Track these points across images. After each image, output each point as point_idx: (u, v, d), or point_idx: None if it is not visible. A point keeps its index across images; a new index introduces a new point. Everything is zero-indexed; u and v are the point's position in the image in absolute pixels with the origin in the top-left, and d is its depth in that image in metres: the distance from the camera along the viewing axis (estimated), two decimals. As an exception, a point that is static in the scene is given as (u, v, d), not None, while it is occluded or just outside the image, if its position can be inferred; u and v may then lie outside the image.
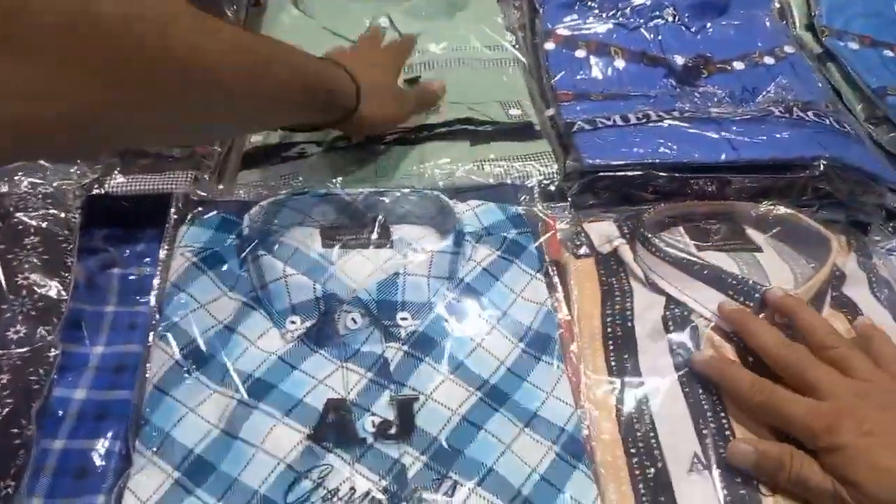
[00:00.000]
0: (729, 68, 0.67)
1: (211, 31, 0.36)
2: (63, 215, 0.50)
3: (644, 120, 0.59)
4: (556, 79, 0.65)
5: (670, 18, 0.72)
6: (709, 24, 0.72)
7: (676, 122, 0.58)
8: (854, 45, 0.71)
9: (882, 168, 0.58)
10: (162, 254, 0.49)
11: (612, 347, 0.46)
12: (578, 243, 0.53)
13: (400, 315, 0.45)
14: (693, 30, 0.71)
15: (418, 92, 0.63)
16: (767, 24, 0.72)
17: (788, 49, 0.69)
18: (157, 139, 0.47)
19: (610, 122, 0.59)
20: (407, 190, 0.52)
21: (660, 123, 0.58)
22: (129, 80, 0.32)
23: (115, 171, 0.52)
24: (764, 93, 0.63)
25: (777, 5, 0.77)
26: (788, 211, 0.53)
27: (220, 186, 0.54)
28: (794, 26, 0.75)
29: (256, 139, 0.61)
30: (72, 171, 0.52)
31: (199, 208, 0.51)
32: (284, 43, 0.46)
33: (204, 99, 0.37)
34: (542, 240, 0.51)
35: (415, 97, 0.61)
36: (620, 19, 0.71)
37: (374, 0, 0.75)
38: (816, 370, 0.41)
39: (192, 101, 0.37)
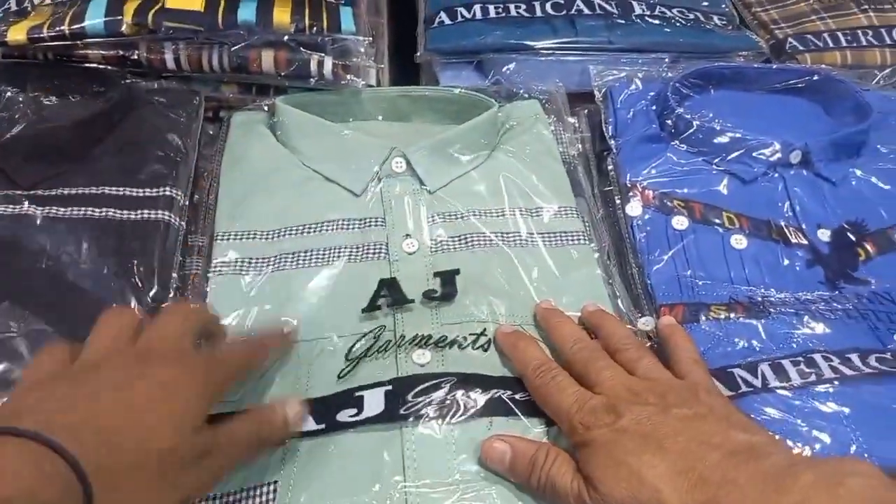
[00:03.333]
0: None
1: None
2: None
3: (813, 377, 0.38)
4: (653, 274, 0.45)
5: (795, 161, 0.51)
6: (853, 172, 0.51)
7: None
8: None
9: None
10: None
11: None
12: None
13: None
14: (833, 181, 0.51)
15: (244, 428, 0.34)
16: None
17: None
18: None
19: (757, 384, 0.38)
20: None
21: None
22: None
23: None
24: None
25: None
26: None
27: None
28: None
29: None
30: None
31: None
32: None
33: None
34: None
35: (236, 439, 0.33)
36: (731, 163, 0.50)
37: (382, 136, 0.54)
38: (601, 365, 0.39)
39: None
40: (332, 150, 0.52)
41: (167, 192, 0.48)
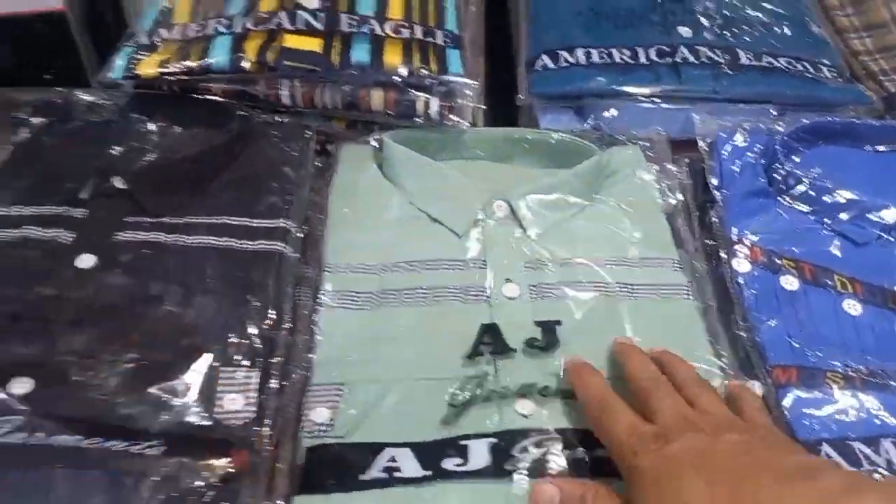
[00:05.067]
0: None
1: None
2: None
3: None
4: (764, 334, 0.44)
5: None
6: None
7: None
8: None
9: None
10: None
11: None
12: None
13: None
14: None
15: None
16: None
17: None
18: None
19: (880, 462, 0.37)
20: None
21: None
22: None
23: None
24: None
25: None
26: None
27: None
28: None
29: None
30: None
31: None
32: None
33: None
34: None
35: None
36: (844, 224, 0.49)
37: (484, 178, 0.55)
38: (662, 395, 0.38)
39: None
40: (436, 189, 0.53)
41: (282, 224, 0.49)
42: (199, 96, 0.55)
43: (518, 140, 0.57)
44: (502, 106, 0.62)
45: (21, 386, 0.39)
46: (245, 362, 0.42)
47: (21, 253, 0.46)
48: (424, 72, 0.54)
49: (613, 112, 0.58)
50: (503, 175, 0.57)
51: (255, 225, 0.49)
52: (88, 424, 0.38)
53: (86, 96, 0.56)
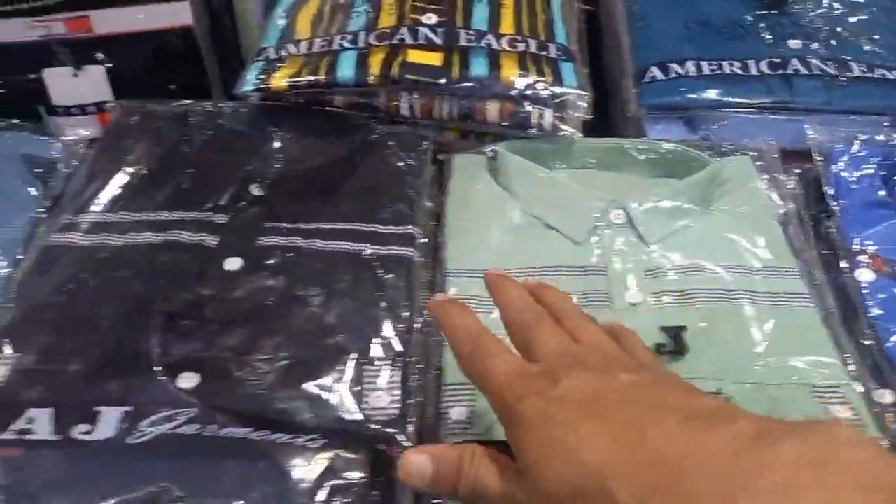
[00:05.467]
0: None
1: None
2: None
3: None
4: (892, 345, 0.44)
5: None
6: None
7: None
8: None
9: None
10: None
11: None
12: None
13: None
14: None
15: None
16: None
17: None
18: None
19: None
20: None
21: None
22: None
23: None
24: None
25: None
26: None
27: None
28: None
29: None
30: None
31: None
32: None
33: None
34: None
35: None
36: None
37: (598, 187, 0.56)
38: (543, 329, 0.33)
39: None
40: (552, 198, 0.55)
41: (409, 230, 0.52)
42: (323, 108, 0.58)
43: (628, 150, 0.59)
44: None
45: (188, 380, 0.42)
46: (386, 362, 0.44)
47: (171, 256, 0.49)
48: (541, 84, 0.56)
49: (723, 123, 0.59)
50: (615, 184, 0.58)
51: (384, 231, 0.51)
52: (254, 418, 0.40)
53: (217, 107, 0.59)
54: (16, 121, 0.60)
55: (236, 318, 0.46)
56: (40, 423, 0.40)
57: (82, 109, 0.63)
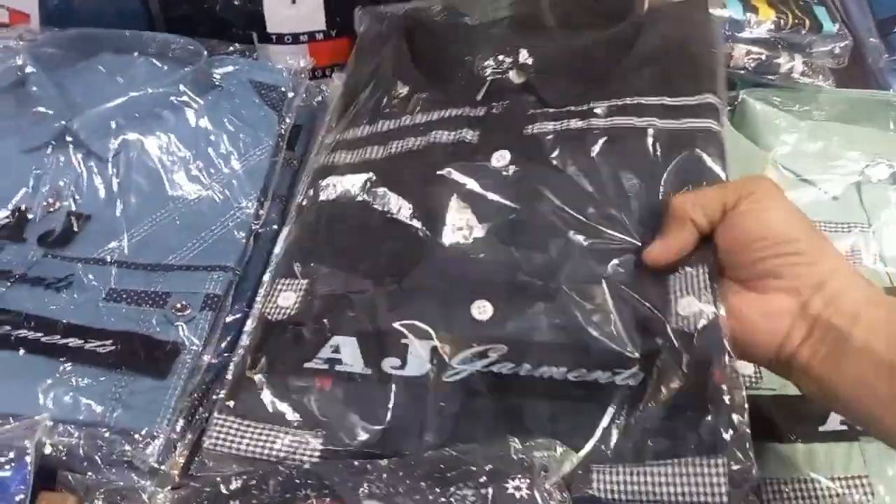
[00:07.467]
0: None
1: None
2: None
3: None
4: None
5: None
6: None
7: None
8: None
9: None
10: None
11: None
12: None
13: None
14: None
15: None
16: None
17: None
18: None
19: None
20: None
21: None
22: None
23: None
24: None
25: None
26: None
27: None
28: None
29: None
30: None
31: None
32: None
33: None
34: None
35: None
36: None
37: (851, 140, 0.52)
38: None
39: None
40: (809, 153, 0.52)
41: (708, 99, 0.43)
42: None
43: (880, 102, 0.56)
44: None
45: (482, 311, 0.38)
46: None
47: (427, 160, 0.44)
48: (800, 28, 0.53)
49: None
50: (864, 137, 0.55)
51: (675, 103, 0.43)
52: (570, 355, 0.36)
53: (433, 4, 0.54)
54: (239, 45, 0.58)
55: (519, 223, 0.40)
56: (347, 352, 0.39)
57: (295, 38, 0.61)
